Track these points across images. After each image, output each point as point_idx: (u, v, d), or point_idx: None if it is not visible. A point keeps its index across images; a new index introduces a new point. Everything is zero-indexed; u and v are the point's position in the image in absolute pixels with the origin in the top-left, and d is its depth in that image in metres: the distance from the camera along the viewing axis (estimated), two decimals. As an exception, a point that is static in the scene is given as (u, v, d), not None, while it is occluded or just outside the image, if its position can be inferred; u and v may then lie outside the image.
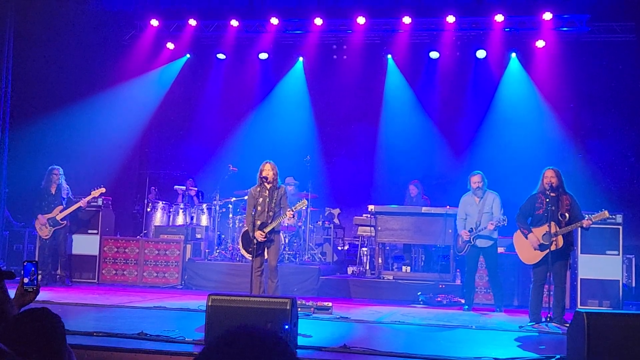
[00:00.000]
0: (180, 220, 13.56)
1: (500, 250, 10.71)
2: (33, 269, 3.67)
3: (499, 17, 13.38)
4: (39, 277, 3.71)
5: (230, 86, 15.37)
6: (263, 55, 15.00)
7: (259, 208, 9.14)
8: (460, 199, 10.27)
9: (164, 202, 13.87)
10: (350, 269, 12.58)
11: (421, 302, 10.44)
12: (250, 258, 9.10)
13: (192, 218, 13.55)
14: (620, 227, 10.48)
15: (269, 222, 9.10)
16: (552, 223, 8.23)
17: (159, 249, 12.43)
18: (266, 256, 9.25)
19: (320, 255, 13.15)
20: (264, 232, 9.06)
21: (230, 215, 13.02)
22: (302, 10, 14.13)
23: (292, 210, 9.30)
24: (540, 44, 13.68)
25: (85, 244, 12.45)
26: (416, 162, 14.14)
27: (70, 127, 13.30)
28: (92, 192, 11.86)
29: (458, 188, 10.42)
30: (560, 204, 8.37)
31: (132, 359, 5.97)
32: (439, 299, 10.45)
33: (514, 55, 14.11)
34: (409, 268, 11.79)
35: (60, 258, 11.84)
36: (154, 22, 14.58)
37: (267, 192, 9.15)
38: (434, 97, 14.61)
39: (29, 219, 12.43)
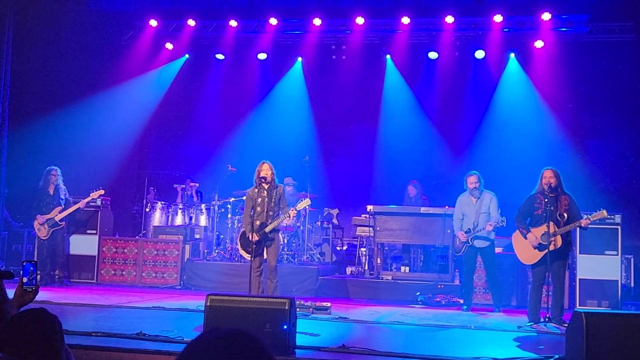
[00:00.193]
0: (179, 220, 13.56)
1: (499, 250, 10.73)
2: (32, 269, 3.67)
3: (498, 18, 13.39)
4: (38, 277, 3.71)
5: (229, 86, 15.37)
6: (262, 56, 15.01)
7: (258, 209, 9.14)
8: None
9: (162, 203, 13.86)
10: (349, 269, 12.59)
11: (420, 302, 10.45)
12: (249, 258, 9.10)
13: (190, 218, 13.55)
14: (619, 227, 10.49)
15: (269, 222, 9.10)
16: (551, 223, 8.24)
17: (157, 249, 12.42)
18: (265, 256, 9.25)
19: (319, 256, 13.15)
20: (258, 234, 9.06)
21: (229, 216, 13.02)
22: (301, 11, 14.12)
23: (295, 210, 9.31)
24: (539, 44, 13.69)
25: (84, 244, 12.45)
26: (415, 162, 14.13)
27: (69, 127, 13.29)
28: (90, 194, 11.88)
29: (457, 188, 10.42)
30: (559, 204, 8.37)
31: (130, 359, 5.97)
32: (437, 299, 10.46)
33: (512, 55, 14.12)
34: (407, 268, 11.79)
35: (59, 258, 11.84)
36: (153, 23, 14.58)
37: (265, 192, 9.15)
38: (432, 98, 14.61)
39: (28, 219, 12.43)
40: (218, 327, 1.85)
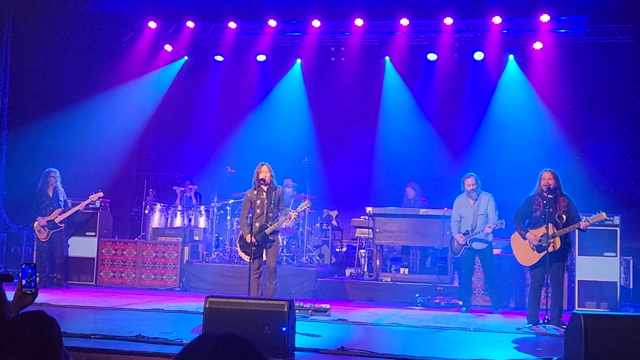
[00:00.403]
0: (178, 222, 13.55)
1: (497, 252, 10.72)
2: (31, 271, 3.66)
3: (497, 19, 13.39)
4: (37, 279, 3.70)
5: (228, 88, 15.38)
6: (261, 57, 15.01)
7: (257, 211, 9.14)
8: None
9: (162, 204, 13.85)
10: (348, 271, 12.59)
11: (419, 304, 10.45)
12: (249, 260, 9.10)
13: (190, 220, 13.55)
14: (618, 229, 10.48)
15: (269, 224, 9.10)
16: (550, 225, 8.24)
17: (156, 251, 12.42)
18: (264, 258, 9.25)
19: (318, 257, 13.16)
20: (258, 236, 9.05)
21: (228, 217, 13.02)
22: (300, 13, 14.11)
23: (296, 212, 9.32)
24: (537, 46, 13.69)
25: (83, 246, 12.44)
26: (414, 163, 14.14)
27: (68, 129, 13.29)
28: (90, 197, 11.87)
29: (456, 190, 10.41)
30: (558, 205, 8.37)
31: (129, 361, 5.98)
32: (436, 301, 10.45)
33: (511, 57, 14.13)
34: (406, 270, 11.79)
35: (58, 260, 11.82)
36: (152, 24, 14.58)
37: (264, 194, 9.14)
38: (431, 99, 14.62)
39: (27, 221, 12.42)
40: (212, 331, 1.86)
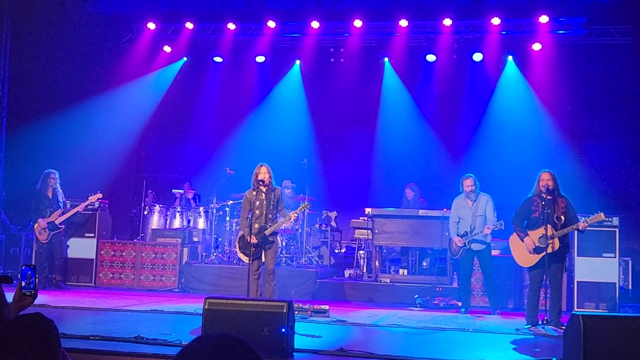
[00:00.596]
0: (177, 223, 13.55)
1: (496, 253, 10.73)
2: (30, 272, 3.66)
3: (496, 20, 13.40)
4: (37, 281, 3.70)
5: (227, 89, 15.38)
6: (260, 59, 15.01)
7: (256, 212, 9.14)
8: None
9: (161, 205, 13.84)
10: (347, 272, 12.59)
11: (418, 305, 10.45)
12: (248, 261, 9.10)
13: (189, 221, 13.55)
14: (617, 230, 10.48)
15: (268, 225, 9.10)
16: (549, 226, 8.25)
17: (155, 252, 12.41)
18: (263, 259, 9.24)
19: (317, 259, 13.16)
20: (258, 237, 9.05)
21: (228, 219, 13.02)
22: (299, 14, 14.12)
23: (296, 213, 9.32)
24: (536, 47, 13.69)
25: (82, 248, 12.43)
26: (413, 164, 14.14)
27: (67, 130, 13.28)
28: (89, 198, 11.86)
29: (455, 191, 10.41)
30: (556, 206, 8.38)
31: (128, 363, 5.98)
32: (436, 302, 10.46)
33: (510, 58, 14.13)
34: (406, 271, 11.79)
35: (57, 262, 11.82)
36: (151, 25, 14.58)
37: (263, 195, 9.13)
38: (430, 100, 14.62)
39: (26, 222, 12.42)
40: (210, 332, 1.87)
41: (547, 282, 8.43)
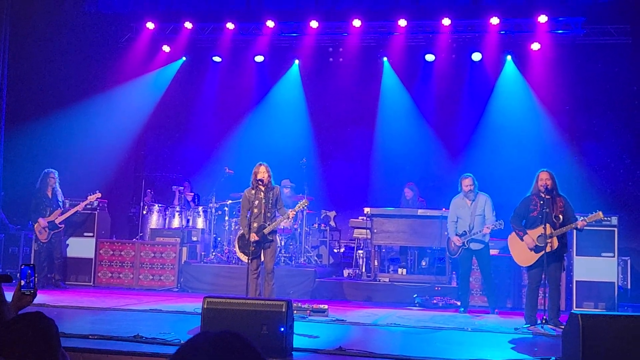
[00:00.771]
0: (176, 222, 13.55)
1: (494, 252, 10.73)
2: (30, 272, 3.66)
3: (495, 20, 13.41)
4: (36, 280, 3.70)
5: (226, 89, 15.37)
6: (259, 58, 15.00)
7: (255, 210, 9.14)
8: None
9: (160, 205, 13.84)
10: (346, 272, 12.59)
11: (417, 305, 10.45)
12: (247, 260, 9.10)
13: (188, 221, 13.55)
14: (616, 229, 10.48)
15: (267, 223, 9.10)
16: (547, 225, 8.25)
17: (154, 252, 12.41)
18: (262, 258, 9.25)
19: (316, 258, 13.16)
20: (257, 236, 9.05)
21: (227, 218, 13.02)
22: (297, 13, 14.12)
23: (294, 211, 9.32)
24: (535, 46, 13.70)
25: (81, 247, 12.43)
26: (412, 164, 14.14)
27: (66, 129, 13.28)
28: (88, 197, 11.87)
29: (454, 190, 10.42)
30: (555, 206, 8.39)
31: (127, 362, 5.98)
32: (434, 301, 10.46)
33: (509, 57, 14.14)
34: (404, 270, 11.80)
35: (56, 261, 11.82)
36: (150, 25, 14.58)
37: (262, 194, 9.14)
38: (429, 100, 14.62)
39: (25, 221, 12.41)
40: (209, 330, 1.87)
41: (546, 282, 8.43)
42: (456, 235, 10.02)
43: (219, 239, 13.20)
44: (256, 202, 9.15)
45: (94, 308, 9.24)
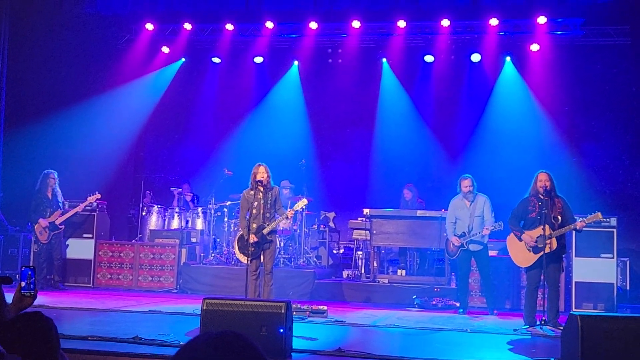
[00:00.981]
0: (175, 224, 13.54)
1: (493, 253, 10.73)
2: (30, 273, 3.67)
3: (494, 21, 13.40)
4: (36, 282, 3.71)
5: (225, 90, 15.38)
6: (258, 59, 15.00)
7: (254, 211, 9.14)
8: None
9: (159, 206, 13.83)
10: (345, 273, 12.59)
11: (416, 306, 10.46)
12: (246, 262, 9.10)
13: (187, 222, 13.54)
14: (615, 230, 10.49)
15: (266, 224, 9.10)
16: (546, 226, 8.26)
17: (154, 253, 12.41)
18: (262, 259, 9.25)
19: (315, 259, 13.15)
20: (256, 237, 9.05)
21: (226, 219, 13.01)
22: (297, 14, 14.10)
23: (293, 211, 9.32)
24: (534, 47, 13.70)
25: (80, 248, 12.42)
26: (411, 165, 14.16)
27: (65, 131, 13.27)
28: (88, 198, 11.87)
29: (453, 191, 10.42)
30: (553, 207, 8.40)
31: (127, 363, 5.98)
32: (434, 302, 10.47)
33: (508, 59, 14.14)
34: (404, 271, 11.80)
35: (55, 262, 11.82)
36: (149, 26, 14.58)
37: (261, 194, 9.15)
38: (428, 101, 14.63)
39: (24, 223, 12.40)
40: (210, 330, 1.87)
41: (545, 283, 8.44)
42: (455, 236, 10.03)
43: (218, 240, 13.20)
44: (255, 202, 9.15)
45: (93, 309, 9.25)
